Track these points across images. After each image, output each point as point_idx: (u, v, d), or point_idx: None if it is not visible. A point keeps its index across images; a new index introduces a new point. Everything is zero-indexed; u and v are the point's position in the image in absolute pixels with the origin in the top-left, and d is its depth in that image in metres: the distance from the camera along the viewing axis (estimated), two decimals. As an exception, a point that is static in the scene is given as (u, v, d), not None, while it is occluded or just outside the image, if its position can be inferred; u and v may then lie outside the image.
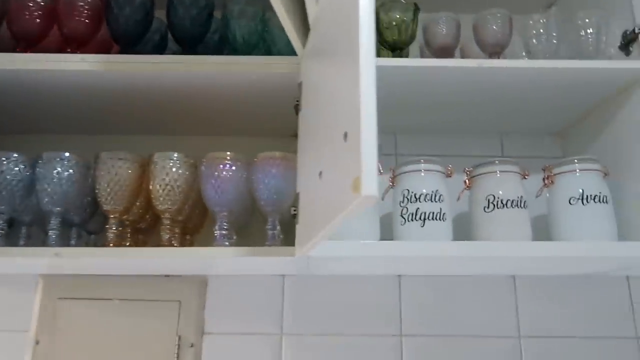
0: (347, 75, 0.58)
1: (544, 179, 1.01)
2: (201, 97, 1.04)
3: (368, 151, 0.50)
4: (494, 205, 0.95)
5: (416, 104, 1.08)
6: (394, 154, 1.26)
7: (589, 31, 1.01)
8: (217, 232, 0.92)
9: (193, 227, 1.08)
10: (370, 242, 0.85)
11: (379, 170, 0.95)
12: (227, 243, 0.90)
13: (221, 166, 0.92)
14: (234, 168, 0.92)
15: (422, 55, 1.15)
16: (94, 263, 0.96)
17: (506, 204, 0.95)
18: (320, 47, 0.79)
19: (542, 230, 0.99)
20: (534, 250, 0.85)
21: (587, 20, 1.02)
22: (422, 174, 0.97)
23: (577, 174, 0.97)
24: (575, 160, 0.97)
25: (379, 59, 0.91)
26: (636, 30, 0.94)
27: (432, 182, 0.96)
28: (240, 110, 1.09)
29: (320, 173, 0.67)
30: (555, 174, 0.99)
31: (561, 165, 0.99)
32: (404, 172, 0.98)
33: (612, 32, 1.02)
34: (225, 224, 0.91)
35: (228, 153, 0.93)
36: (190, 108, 1.08)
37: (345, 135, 0.56)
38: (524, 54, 1.07)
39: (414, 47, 1.14)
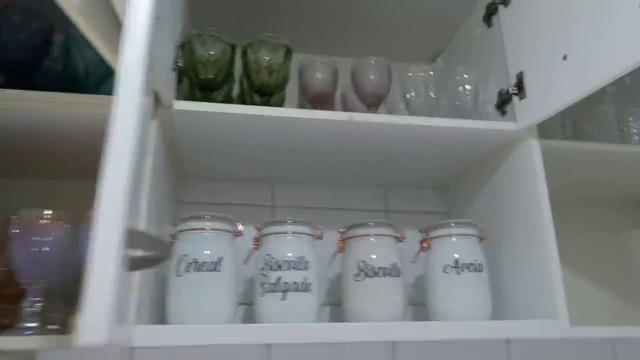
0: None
1: (421, 242, 0.94)
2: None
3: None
4: (365, 274, 0.86)
5: (294, 153, 0.97)
6: (271, 206, 1.14)
7: (467, 87, 0.97)
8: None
9: None
10: (206, 327, 0.70)
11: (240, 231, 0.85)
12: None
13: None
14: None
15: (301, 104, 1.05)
16: None
17: (378, 273, 0.86)
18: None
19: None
20: (399, 333, 0.76)
21: (465, 76, 0.98)
22: (288, 237, 0.85)
23: (454, 239, 0.90)
24: (452, 224, 0.91)
25: (237, 106, 0.80)
26: (510, 91, 0.90)
27: (297, 246, 0.85)
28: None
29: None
30: (431, 238, 0.92)
31: (437, 228, 0.92)
32: (267, 235, 0.86)
33: (490, 90, 0.99)
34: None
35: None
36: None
37: None
38: (402, 106, 1.00)
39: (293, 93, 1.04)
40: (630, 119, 1.04)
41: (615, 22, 0.69)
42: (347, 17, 1.12)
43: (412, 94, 0.97)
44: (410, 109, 0.98)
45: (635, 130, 1.04)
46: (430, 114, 0.97)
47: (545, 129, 0.90)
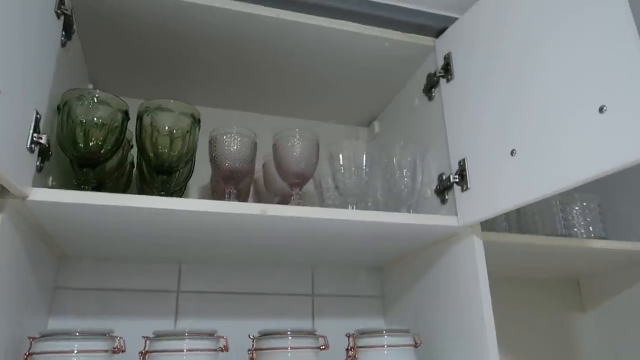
0: None
1: (347, 350, 0.79)
2: None
3: None
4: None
5: (196, 242, 0.81)
6: (176, 291, 0.96)
7: (404, 171, 0.85)
8: None
9: None
10: None
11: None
12: None
13: None
14: None
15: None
16: None
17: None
18: None
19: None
20: None
21: (403, 154, 0.86)
22: (184, 356, 0.68)
23: (385, 351, 0.77)
24: (384, 333, 0.77)
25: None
26: (451, 179, 0.79)
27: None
28: None
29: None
30: (359, 347, 0.78)
31: (367, 336, 0.78)
32: (156, 351, 0.68)
33: (429, 171, 0.88)
34: None
35: None
36: None
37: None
38: (330, 182, 0.87)
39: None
40: (576, 208, 0.97)
41: (572, 125, 0.59)
42: (277, 73, 0.98)
43: (343, 173, 0.84)
44: (339, 189, 0.85)
45: (580, 221, 0.96)
46: (362, 196, 0.85)
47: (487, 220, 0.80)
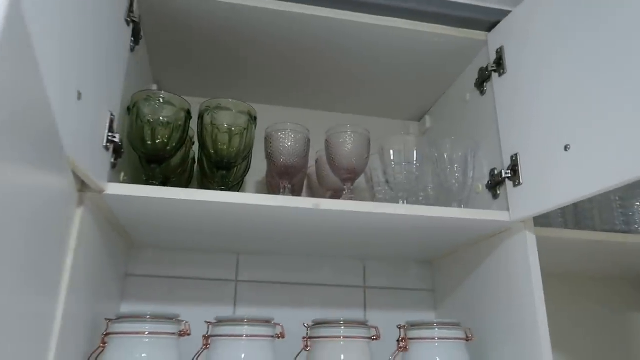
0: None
1: (398, 341, 0.81)
2: None
3: None
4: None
5: (254, 232, 0.85)
6: (234, 280, 1.01)
7: (456, 166, 0.85)
8: None
9: None
10: None
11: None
12: None
13: None
14: None
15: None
16: None
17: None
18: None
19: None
20: None
21: (454, 149, 0.87)
22: (242, 342, 0.73)
23: (436, 343, 0.78)
24: (435, 326, 0.79)
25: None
26: (503, 174, 0.79)
27: (255, 353, 0.72)
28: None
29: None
30: (410, 339, 0.80)
31: (418, 328, 0.79)
32: (218, 336, 0.73)
33: (480, 165, 0.87)
34: None
35: None
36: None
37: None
38: (381, 177, 0.89)
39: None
40: (638, 204, 0.93)
41: (629, 120, 0.58)
42: (330, 71, 1.01)
43: (393, 167, 0.85)
44: (390, 184, 0.86)
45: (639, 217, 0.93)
46: (412, 190, 0.86)
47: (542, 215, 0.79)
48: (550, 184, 0.69)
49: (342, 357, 0.75)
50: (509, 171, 0.78)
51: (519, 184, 0.76)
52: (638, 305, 1.19)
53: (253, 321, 0.74)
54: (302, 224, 0.80)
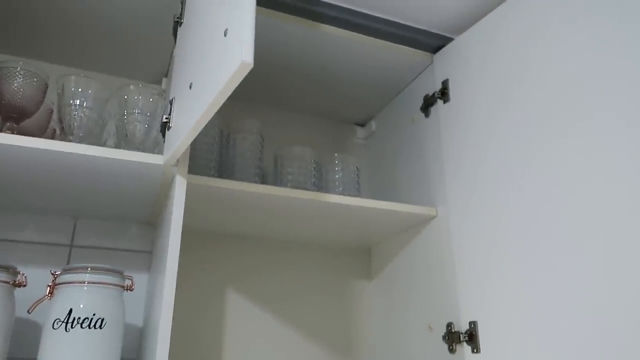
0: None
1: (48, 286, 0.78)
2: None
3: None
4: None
5: None
6: None
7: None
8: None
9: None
10: None
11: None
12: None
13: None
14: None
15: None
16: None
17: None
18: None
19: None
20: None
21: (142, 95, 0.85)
22: None
23: (84, 287, 0.76)
24: (89, 268, 0.76)
25: None
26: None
27: None
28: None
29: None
30: (57, 284, 0.76)
31: (66, 272, 0.77)
32: None
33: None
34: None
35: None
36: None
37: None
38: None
39: None
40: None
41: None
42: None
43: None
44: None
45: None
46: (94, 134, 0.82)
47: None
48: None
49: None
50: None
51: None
52: (366, 274, 1.26)
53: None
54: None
